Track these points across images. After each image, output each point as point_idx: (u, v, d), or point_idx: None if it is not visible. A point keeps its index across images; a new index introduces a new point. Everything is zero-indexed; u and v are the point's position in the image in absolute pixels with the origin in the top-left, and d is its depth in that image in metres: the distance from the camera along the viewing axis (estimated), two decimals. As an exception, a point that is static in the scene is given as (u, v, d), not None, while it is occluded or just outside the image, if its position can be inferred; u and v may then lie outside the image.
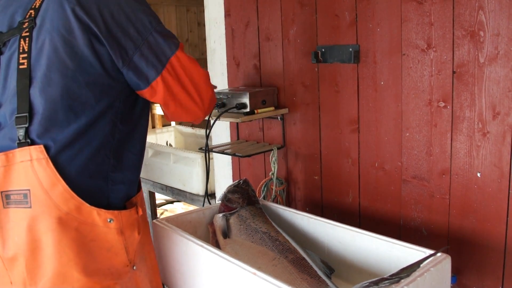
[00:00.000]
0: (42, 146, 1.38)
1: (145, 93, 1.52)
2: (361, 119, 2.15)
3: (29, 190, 1.39)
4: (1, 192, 1.41)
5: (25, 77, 1.42)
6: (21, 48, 1.44)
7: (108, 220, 1.45)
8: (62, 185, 1.38)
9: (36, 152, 1.38)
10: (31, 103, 1.41)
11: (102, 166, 1.48)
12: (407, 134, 2.00)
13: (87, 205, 1.41)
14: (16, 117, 1.40)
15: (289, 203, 2.54)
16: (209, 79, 1.66)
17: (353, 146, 2.20)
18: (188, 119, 1.67)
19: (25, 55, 1.43)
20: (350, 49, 2.11)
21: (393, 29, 1.99)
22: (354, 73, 2.14)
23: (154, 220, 2.02)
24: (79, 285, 1.43)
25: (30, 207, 1.39)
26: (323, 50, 2.22)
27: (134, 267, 1.55)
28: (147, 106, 1.66)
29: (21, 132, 1.39)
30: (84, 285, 1.43)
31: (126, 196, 1.56)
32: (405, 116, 2.00)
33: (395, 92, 2.01)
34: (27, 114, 1.39)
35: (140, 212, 1.58)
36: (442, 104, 1.88)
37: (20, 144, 1.39)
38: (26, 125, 1.39)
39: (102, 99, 1.46)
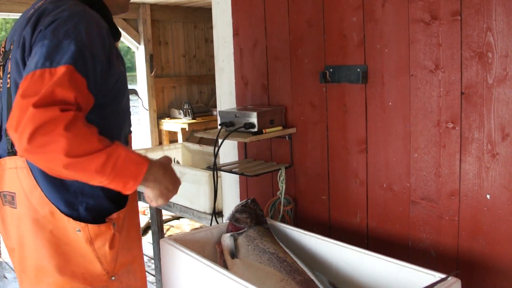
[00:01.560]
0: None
1: None
2: (369, 140, 2.15)
3: (15, 193, 1.59)
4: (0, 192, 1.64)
5: (11, 95, 1.57)
6: (8, 68, 1.60)
7: (77, 230, 1.57)
8: (38, 191, 1.56)
9: (20, 162, 1.56)
10: None
11: (71, 181, 1.55)
12: (416, 155, 2.00)
13: (59, 211, 1.56)
14: (5, 129, 1.58)
15: (296, 222, 2.53)
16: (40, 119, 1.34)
17: (361, 167, 2.20)
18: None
19: (9, 75, 1.59)
20: (358, 70, 2.12)
21: (401, 50, 1.99)
22: (362, 93, 2.14)
23: (162, 239, 2.02)
24: (52, 280, 1.60)
25: (16, 208, 1.60)
26: (331, 70, 2.22)
27: (113, 278, 1.66)
28: (106, 125, 1.57)
29: (9, 143, 1.59)
30: (56, 281, 1.60)
31: (97, 209, 1.63)
32: (413, 137, 2.00)
33: (403, 113, 2.01)
34: None
35: (111, 231, 1.63)
36: (451, 125, 1.88)
37: (9, 153, 1.59)
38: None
39: None
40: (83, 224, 1.56)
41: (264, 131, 2.32)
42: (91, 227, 1.57)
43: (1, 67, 1.67)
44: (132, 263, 1.74)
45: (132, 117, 1.86)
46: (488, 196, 1.80)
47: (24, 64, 1.50)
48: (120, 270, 1.67)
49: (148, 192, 1.56)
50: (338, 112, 2.25)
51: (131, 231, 1.76)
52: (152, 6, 7.11)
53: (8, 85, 1.58)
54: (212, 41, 7.96)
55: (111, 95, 1.60)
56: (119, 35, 1.78)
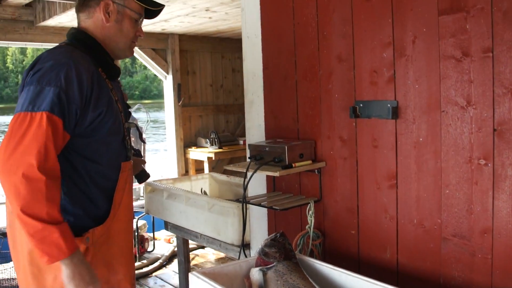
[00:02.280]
0: None
1: None
2: (399, 175, 2.14)
3: None
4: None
5: None
6: None
7: None
8: None
9: None
10: None
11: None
12: (447, 191, 1.98)
13: None
14: None
15: (325, 257, 2.51)
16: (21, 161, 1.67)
17: (391, 202, 2.18)
18: None
19: None
20: (388, 105, 2.12)
21: (432, 86, 1.99)
22: (392, 129, 2.14)
23: (191, 273, 2.02)
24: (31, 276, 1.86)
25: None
26: (361, 105, 2.23)
27: None
28: (93, 151, 1.91)
29: None
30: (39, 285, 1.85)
31: (78, 225, 1.85)
32: (444, 173, 1.98)
33: (434, 149, 2.01)
34: None
35: (84, 245, 1.85)
36: (483, 162, 1.86)
37: None
38: None
39: None
40: None
41: (293, 165, 2.33)
42: None
43: None
44: (112, 277, 1.99)
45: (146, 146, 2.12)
46: (522, 235, 1.78)
47: None
48: None
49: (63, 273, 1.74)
50: (368, 147, 2.25)
51: (112, 248, 1.98)
52: (181, 36, 7.22)
53: None
54: (239, 71, 8.06)
55: (90, 128, 1.87)
56: (116, 73, 2.06)
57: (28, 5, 5.94)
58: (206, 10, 5.43)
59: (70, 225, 1.78)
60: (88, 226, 1.89)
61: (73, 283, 1.71)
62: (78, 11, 2.02)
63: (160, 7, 2.14)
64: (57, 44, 1.99)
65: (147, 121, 7.29)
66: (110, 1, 1.97)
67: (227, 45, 7.80)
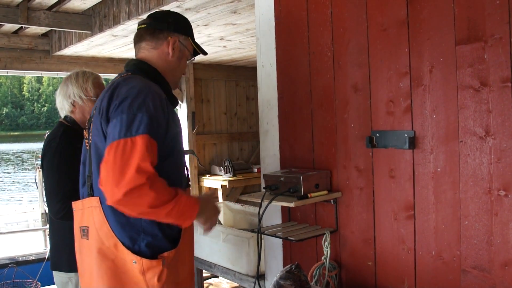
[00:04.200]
0: (98, 198, 1.92)
1: None
2: (417, 206, 2.10)
3: (88, 227, 1.96)
4: (80, 227, 2.02)
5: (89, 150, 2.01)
6: (91, 129, 2.00)
7: (133, 262, 1.87)
8: (106, 226, 1.90)
9: (95, 201, 1.93)
10: (92, 168, 1.98)
11: (135, 221, 1.89)
12: (466, 223, 1.95)
13: (121, 244, 1.88)
14: (87, 176, 2.02)
15: (341, 288, 2.47)
16: (140, 180, 1.74)
17: (408, 233, 2.15)
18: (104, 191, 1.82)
19: (91, 134, 2.00)
20: (406, 135, 2.10)
21: (450, 116, 1.97)
22: (409, 159, 2.12)
23: (206, 305, 2.00)
24: None
25: (88, 239, 1.96)
26: (377, 135, 2.21)
27: None
28: (171, 174, 1.96)
29: (89, 187, 1.99)
30: None
31: (156, 246, 1.92)
32: (463, 204, 1.95)
33: (453, 179, 1.98)
34: (91, 175, 1.99)
35: (160, 267, 1.89)
36: (503, 193, 1.83)
37: (89, 195, 1.99)
38: (90, 182, 1.99)
39: None
40: (138, 257, 1.87)
41: (309, 195, 2.31)
42: (145, 261, 1.87)
43: (88, 130, 2.07)
44: None
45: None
46: (545, 269, 1.74)
47: (103, 130, 1.90)
48: None
49: (199, 221, 2.05)
50: (385, 177, 2.22)
51: (180, 269, 2.01)
52: (195, 64, 7.28)
53: (91, 141, 2.00)
54: (253, 99, 8.09)
55: (166, 150, 1.94)
56: (176, 102, 2.20)
57: (44, 35, 6.05)
58: (221, 39, 5.47)
59: (148, 245, 1.89)
60: (164, 247, 1.94)
61: (209, 221, 2.07)
62: (143, 39, 2.15)
63: (206, 54, 2.38)
64: (119, 74, 2.11)
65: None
66: (177, 38, 2.16)
67: (241, 73, 7.84)
